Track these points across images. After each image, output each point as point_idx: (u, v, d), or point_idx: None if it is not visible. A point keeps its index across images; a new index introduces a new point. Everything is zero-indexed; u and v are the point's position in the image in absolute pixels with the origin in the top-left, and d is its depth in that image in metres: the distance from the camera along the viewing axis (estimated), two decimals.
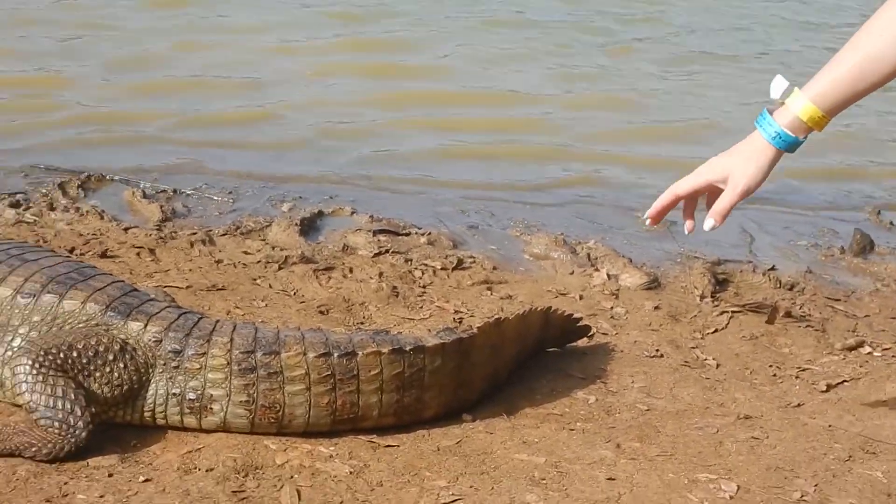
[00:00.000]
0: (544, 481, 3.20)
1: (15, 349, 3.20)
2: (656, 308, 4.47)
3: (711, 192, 2.79)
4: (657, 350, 4.13)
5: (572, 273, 4.72)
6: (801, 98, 2.81)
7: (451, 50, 8.88)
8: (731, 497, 3.19)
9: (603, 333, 4.19)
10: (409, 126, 6.86)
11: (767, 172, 2.86)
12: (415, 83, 8.01)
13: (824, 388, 3.67)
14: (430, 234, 4.98)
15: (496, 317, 3.77)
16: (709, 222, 2.81)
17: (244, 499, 2.99)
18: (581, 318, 4.10)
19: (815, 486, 3.22)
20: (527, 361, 3.85)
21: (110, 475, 3.02)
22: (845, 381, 3.92)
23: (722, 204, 2.81)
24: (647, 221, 3.03)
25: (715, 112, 7.59)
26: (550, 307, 4.02)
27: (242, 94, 7.13)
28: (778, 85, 2.84)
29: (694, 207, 2.89)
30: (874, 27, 2.76)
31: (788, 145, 2.82)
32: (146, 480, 3.01)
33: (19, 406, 3.15)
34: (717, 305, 4.55)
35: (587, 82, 8.42)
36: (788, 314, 4.42)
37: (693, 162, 2.93)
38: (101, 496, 2.91)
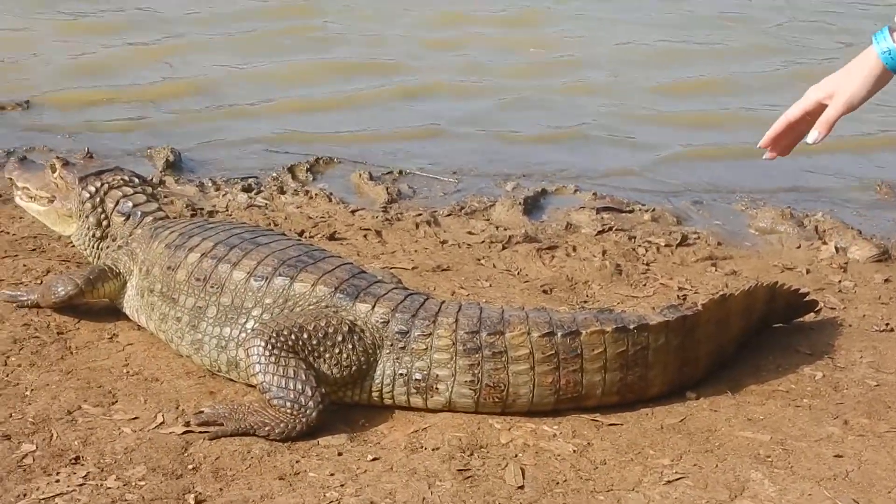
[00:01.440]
0: (769, 459, 3.18)
1: (248, 331, 3.32)
2: (886, 281, 4.37)
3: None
4: (887, 324, 4.04)
5: (799, 247, 4.65)
6: None
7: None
8: None
9: (830, 308, 4.12)
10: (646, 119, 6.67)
11: (870, 87, 2.90)
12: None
13: None
14: (653, 210, 4.96)
15: (721, 293, 3.76)
16: (813, 134, 2.84)
17: (469, 477, 3.03)
18: (808, 293, 4.04)
19: None
20: (752, 338, 3.82)
21: (340, 454, 3.11)
22: None
23: (826, 115, 2.84)
24: (765, 155, 3.09)
25: None
26: (776, 282, 3.98)
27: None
28: None
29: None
30: None
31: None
32: (374, 459, 3.09)
33: (253, 386, 3.27)
34: None
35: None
36: None
37: None
38: (332, 474, 3.00)
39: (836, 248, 4.60)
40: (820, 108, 2.90)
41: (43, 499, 2.83)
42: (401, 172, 5.21)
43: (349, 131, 5.95)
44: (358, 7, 8.21)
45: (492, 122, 6.19)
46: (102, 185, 3.81)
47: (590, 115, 6.35)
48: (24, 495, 2.84)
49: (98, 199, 3.79)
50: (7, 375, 3.41)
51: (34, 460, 3.00)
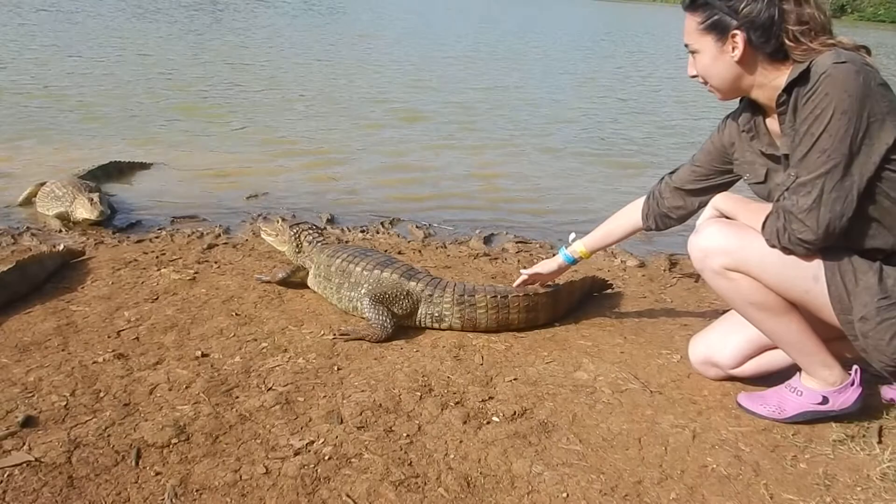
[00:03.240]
0: (591, 353, 3.14)
1: (362, 294, 3.31)
2: (643, 275, 4.32)
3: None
4: (643, 295, 3.99)
5: (605, 259, 4.61)
6: (579, 243, 3.15)
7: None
8: (676, 361, 3.08)
9: (618, 287, 4.08)
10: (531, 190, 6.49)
11: (556, 267, 3.29)
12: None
13: (722, 310, 3.48)
14: (542, 243, 4.92)
15: (571, 280, 3.70)
16: (522, 276, 3.39)
17: (458, 359, 3.00)
18: (608, 280, 4.00)
19: None
20: (584, 300, 3.77)
21: (401, 348, 3.08)
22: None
23: (535, 272, 3.36)
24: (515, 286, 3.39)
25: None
26: (595, 275, 3.96)
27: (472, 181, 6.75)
28: (572, 236, 3.19)
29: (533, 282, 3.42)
30: (616, 217, 3.10)
31: (570, 262, 3.20)
32: (416, 351, 3.06)
33: (363, 318, 3.24)
34: (672, 274, 4.39)
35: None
36: None
37: None
38: (398, 357, 2.98)
39: (621, 261, 4.57)
40: (536, 273, 3.34)
41: (269, 367, 2.82)
42: (430, 225, 5.16)
43: (407, 202, 5.88)
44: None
45: (472, 198, 6.11)
46: (300, 229, 3.81)
47: (516, 198, 6.23)
48: (263, 365, 2.83)
49: (297, 235, 3.78)
50: (256, 312, 3.38)
51: (266, 350, 2.97)
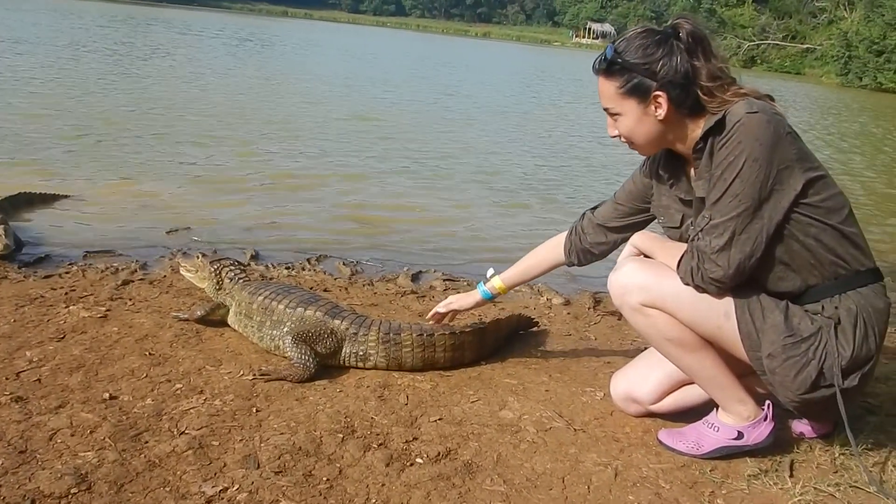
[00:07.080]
0: (517, 391, 3.13)
1: (284, 332, 3.21)
2: (568, 313, 4.37)
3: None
4: (568, 333, 4.03)
5: (531, 297, 4.64)
6: (497, 279, 3.16)
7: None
8: (600, 398, 3.11)
9: (544, 325, 4.11)
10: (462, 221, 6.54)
11: (473, 303, 3.33)
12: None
13: (643, 348, 3.53)
14: (469, 282, 4.90)
15: (497, 318, 3.71)
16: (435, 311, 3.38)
17: (382, 399, 2.93)
18: (534, 318, 4.02)
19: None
20: (511, 338, 3.77)
21: (324, 388, 2.99)
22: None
23: (451, 309, 3.37)
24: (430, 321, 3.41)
25: None
26: (521, 313, 3.97)
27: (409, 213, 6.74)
28: (490, 272, 3.21)
29: (448, 316, 3.45)
30: (537, 252, 3.13)
31: (488, 298, 3.22)
32: (340, 391, 2.97)
33: (285, 357, 3.16)
34: (596, 312, 4.46)
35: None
36: None
37: None
38: (320, 398, 2.89)
39: (547, 299, 4.61)
40: (451, 307, 3.33)
41: (183, 410, 2.68)
42: (357, 262, 5.09)
43: (333, 242, 5.78)
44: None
45: (400, 240, 6.05)
46: (221, 265, 3.69)
47: (446, 239, 6.24)
48: (177, 407, 2.70)
49: (218, 271, 3.65)
50: (171, 352, 3.23)
51: (180, 391, 2.84)
